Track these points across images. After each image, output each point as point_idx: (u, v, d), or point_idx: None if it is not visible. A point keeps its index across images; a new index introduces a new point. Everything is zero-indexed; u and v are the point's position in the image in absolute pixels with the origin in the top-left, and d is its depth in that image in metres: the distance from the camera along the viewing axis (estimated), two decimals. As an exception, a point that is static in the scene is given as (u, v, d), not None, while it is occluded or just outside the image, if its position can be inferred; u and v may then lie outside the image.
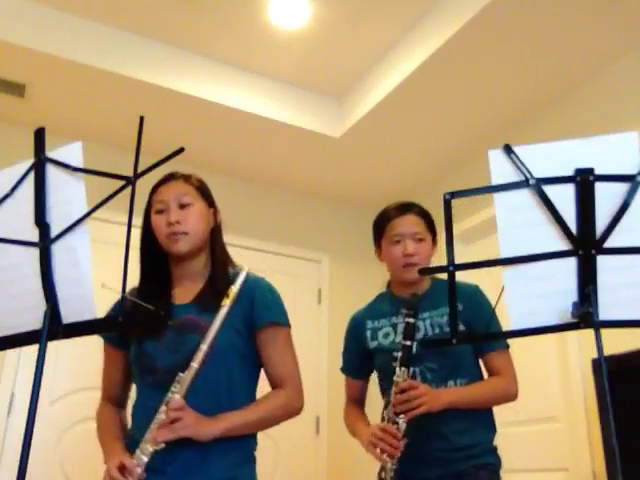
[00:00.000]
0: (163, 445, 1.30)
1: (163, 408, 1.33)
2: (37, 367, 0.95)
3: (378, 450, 1.53)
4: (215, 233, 1.59)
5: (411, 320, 1.60)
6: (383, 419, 1.59)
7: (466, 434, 1.64)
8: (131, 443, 1.39)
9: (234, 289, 1.44)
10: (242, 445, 1.45)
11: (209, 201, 1.59)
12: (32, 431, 0.93)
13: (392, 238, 1.76)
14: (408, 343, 1.59)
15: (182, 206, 1.51)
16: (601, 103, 2.95)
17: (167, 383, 1.36)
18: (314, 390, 3.78)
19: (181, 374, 1.35)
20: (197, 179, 1.60)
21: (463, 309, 1.63)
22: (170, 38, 3.19)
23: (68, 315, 1.01)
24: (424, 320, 1.71)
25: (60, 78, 3.09)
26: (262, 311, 1.52)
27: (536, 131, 3.21)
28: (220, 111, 3.33)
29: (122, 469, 1.28)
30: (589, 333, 0.99)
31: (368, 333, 1.80)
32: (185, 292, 1.53)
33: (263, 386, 1.55)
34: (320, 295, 4.05)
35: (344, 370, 1.91)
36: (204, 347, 1.37)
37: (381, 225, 1.82)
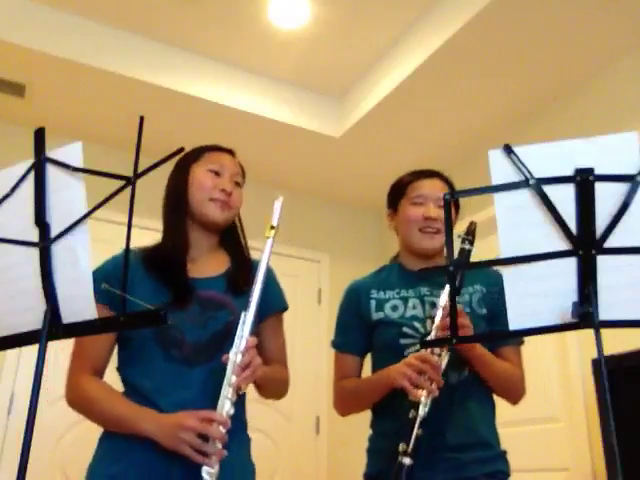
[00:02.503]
0: (245, 390, 1.29)
1: (235, 350, 1.28)
2: (37, 367, 0.95)
3: (410, 384, 1.36)
4: (239, 220, 1.59)
5: (466, 246, 1.46)
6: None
7: (480, 429, 1.49)
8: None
9: (275, 221, 1.42)
10: (246, 434, 1.45)
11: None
12: (32, 431, 0.93)
13: (413, 199, 1.61)
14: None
15: (235, 183, 1.52)
16: (601, 103, 2.95)
17: (193, 360, 1.34)
18: (314, 390, 3.78)
19: (245, 312, 1.32)
20: (244, 169, 1.61)
21: (487, 292, 1.54)
22: (170, 38, 3.19)
23: (68, 315, 1.01)
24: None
25: (60, 78, 3.09)
26: (277, 297, 1.55)
27: (536, 131, 3.21)
28: (220, 111, 3.33)
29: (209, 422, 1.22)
30: (589, 333, 0.99)
31: (373, 303, 1.60)
32: (205, 265, 1.48)
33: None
34: (320, 295, 4.06)
35: (339, 346, 1.66)
36: (260, 279, 1.34)
37: (401, 186, 1.66)
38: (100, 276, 1.32)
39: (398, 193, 1.67)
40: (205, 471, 1.20)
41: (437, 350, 1.40)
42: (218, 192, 1.46)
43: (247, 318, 1.32)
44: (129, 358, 1.42)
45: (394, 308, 1.57)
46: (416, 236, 1.59)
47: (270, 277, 1.55)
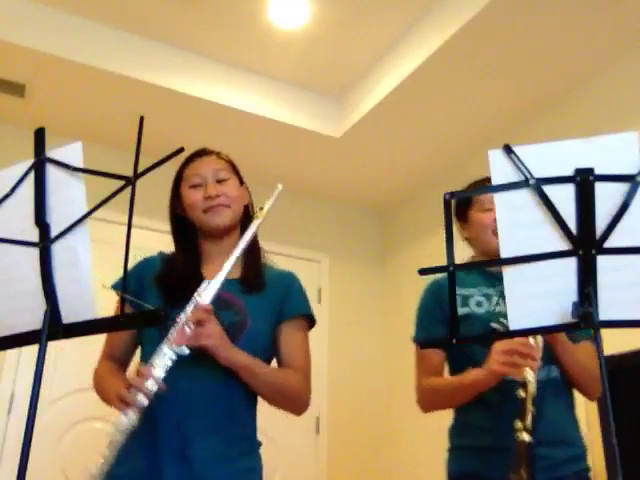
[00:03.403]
0: (186, 352, 1.24)
1: (186, 311, 1.28)
2: (37, 367, 0.95)
3: (512, 368, 1.36)
4: (247, 211, 1.57)
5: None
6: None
7: (567, 428, 1.56)
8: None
9: (267, 206, 1.43)
10: (254, 440, 1.43)
11: (240, 178, 1.59)
12: (32, 431, 0.93)
13: (483, 206, 1.66)
14: None
15: (219, 181, 1.51)
16: (601, 103, 2.95)
17: (192, 356, 1.31)
18: (314, 390, 3.76)
19: (207, 280, 1.31)
20: (227, 156, 1.60)
21: None
22: (170, 38, 3.19)
23: (68, 315, 1.01)
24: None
25: (60, 78, 3.09)
26: (295, 302, 1.51)
27: (536, 131, 3.21)
28: (220, 111, 3.33)
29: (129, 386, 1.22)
30: (589, 333, 1.00)
31: (458, 299, 1.60)
32: (216, 269, 1.48)
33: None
34: (320, 295, 4.05)
35: (423, 341, 1.65)
36: (240, 247, 1.36)
37: (470, 198, 1.75)
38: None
39: (465, 205, 1.75)
40: (120, 416, 1.19)
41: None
42: (204, 202, 1.48)
43: (210, 286, 1.31)
44: (142, 359, 1.46)
45: (479, 304, 1.61)
46: (492, 239, 1.60)
47: (291, 284, 1.54)
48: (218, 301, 1.41)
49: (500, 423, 1.46)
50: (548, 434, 1.47)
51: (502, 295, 1.57)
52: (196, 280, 1.43)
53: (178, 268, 1.48)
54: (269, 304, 1.47)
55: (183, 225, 1.54)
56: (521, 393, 1.37)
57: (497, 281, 1.59)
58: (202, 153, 1.56)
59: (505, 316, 1.52)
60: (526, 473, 1.29)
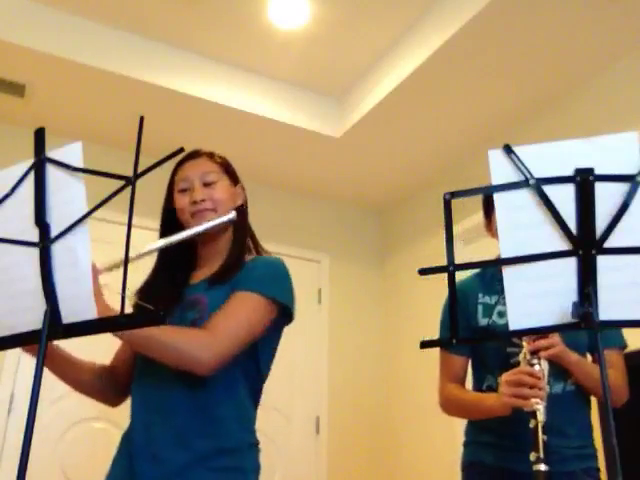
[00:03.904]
0: None
1: None
2: (37, 367, 0.95)
3: (520, 399, 1.39)
4: (240, 212, 1.53)
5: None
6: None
7: (581, 433, 1.60)
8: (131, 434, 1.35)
9: (211, 223, 1.42)
10: (241, 438, 1.37)
11: (233, 178, 1.56)
12: (32, 431, 0.92)
13: None
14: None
15: (206, 184, 1.49)
16: (601, 103, 2.95)
17: (164, 367, 1.28)
18: (314, 390, 3.78)
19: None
20: (220, 157, 1.58)
21: None
22: (170, 38, 3.19)
23: (68, 315, 1.01)
24: None
25: (60, 78, 3.09)
26: (244, 279, 1.40)
27: (536, 131, 3.21)
28: (220, 111, 3.33)
29: None
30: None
31: (480, 308, 1.64)
32: (203, 272, 1.50)
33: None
34: (320, 295, 4.06)
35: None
36: (160, 243, 1.36)
37: (490, 198, 1.73)
38: None
39: (490, 206, 1.75)
40: None
41: (534, 360, 1.45)
42: (191, 207, 1.48)
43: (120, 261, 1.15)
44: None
45: (501, 314, 1.60)
46: None
47: (253, 266, 1.45)
48: (189, 304, 1.42)
49: (510, 426, 1.50)
50: (559, 442, 1.50)
51: None
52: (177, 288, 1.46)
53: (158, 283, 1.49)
54: (229, 293, 1.39)
55: (177, 227, 1.52)
56: (531, 423, 1.39)
57: None
58: (194, 155, 1.55)
59: None
60: None
